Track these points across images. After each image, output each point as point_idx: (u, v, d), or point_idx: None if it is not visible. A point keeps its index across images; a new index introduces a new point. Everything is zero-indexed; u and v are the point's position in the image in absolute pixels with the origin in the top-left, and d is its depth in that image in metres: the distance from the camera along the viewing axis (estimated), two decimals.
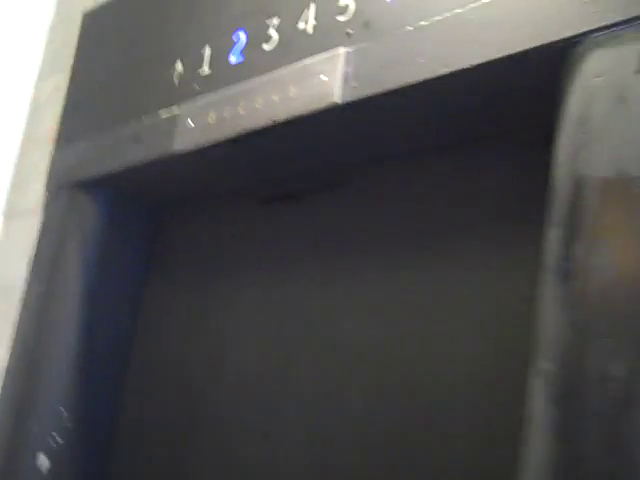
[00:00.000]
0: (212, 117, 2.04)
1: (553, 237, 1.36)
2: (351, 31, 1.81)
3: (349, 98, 1.75)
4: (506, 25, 1.51)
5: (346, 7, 1.84)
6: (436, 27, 1.63)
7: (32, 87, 2.80)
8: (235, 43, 2.09)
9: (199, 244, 2.42)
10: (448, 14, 1.62)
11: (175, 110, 2.17)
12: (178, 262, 2.48)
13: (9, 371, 2.33)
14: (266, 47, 2.01)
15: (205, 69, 2.16)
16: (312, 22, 1.92)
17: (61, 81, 2.68)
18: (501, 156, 1.79)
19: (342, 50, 1.79)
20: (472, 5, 1.58)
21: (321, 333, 2.02)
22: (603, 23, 1.37)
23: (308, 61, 1.86)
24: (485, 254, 1.74)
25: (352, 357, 1.93)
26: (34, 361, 2.31)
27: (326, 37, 1.86)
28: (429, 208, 1.91)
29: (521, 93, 1.60)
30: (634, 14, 1.34)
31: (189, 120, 2.10)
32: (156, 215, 2.52)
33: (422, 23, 1.66)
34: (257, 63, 2.00)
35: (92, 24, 2.66)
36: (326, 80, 1.80)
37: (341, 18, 1.85)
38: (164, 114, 2.20)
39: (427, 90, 1.65)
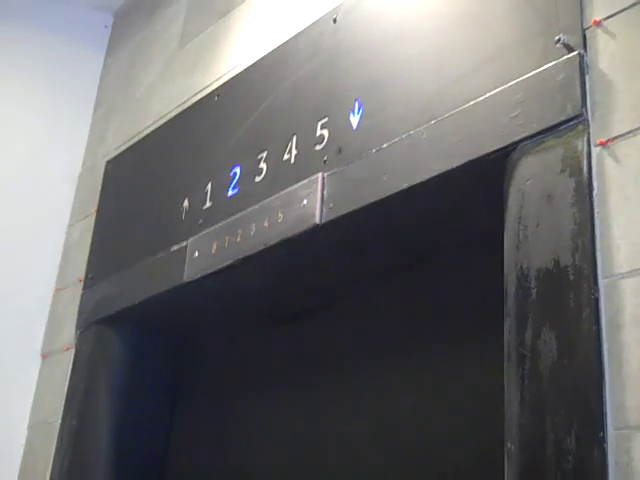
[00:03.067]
0: (214, 247, 2.23)
1: (507, 327, 1.49)
2: (326, 158, 2.00)
3: (327, 218, 1.92)
4: (451, 140, 1.69)
5: (322, 137, 2.04)
6: (396, 147, 1.81)
7: (64, 232, 3.04)
8: (232, 178, 2.30)
9: (219, 365, 2.58)
10: (404, 135, 1.80)
11: (183, 243, 2.37)
12: (202, 384, 2.63)
13: None
14: (257, 179, 2.21)
15: (207, 203, 2.36)
16: (294, 152, 2.12)
17: (89, 225, 2.91)
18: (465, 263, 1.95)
19: (319, 175, 1.97)
20: (424, 126, 1.76)
21: (336, 436, 2.13)
22: (527, 133, 1.53)
23: (292, 188, 2.05)
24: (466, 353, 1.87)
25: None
26: None
27: (306, 165, 2.05)
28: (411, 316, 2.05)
29: (472, 200, 1.75)
30: (553, 122, 1.50)
31: (196, 252, 2.29)
32: (176, 342, 2.69)
33: (383, 145, 1.84)
34: (250, 193, 2.20)
35: (113, 170, 2.92)
36: (307, 204, 1.98)
37: (318, 147, 2.04)
38: (174, 248, 2.40)
39: (393, 204, 1.81)
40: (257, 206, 2.14)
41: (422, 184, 1.72)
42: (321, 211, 1.94)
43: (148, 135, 2.81)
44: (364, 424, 2.07)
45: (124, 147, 2.93)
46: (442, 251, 1.96)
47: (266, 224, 2.08)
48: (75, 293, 2.84)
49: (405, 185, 1.76)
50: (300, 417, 2.26)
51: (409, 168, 1.76)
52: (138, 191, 2.73)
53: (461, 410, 1.85)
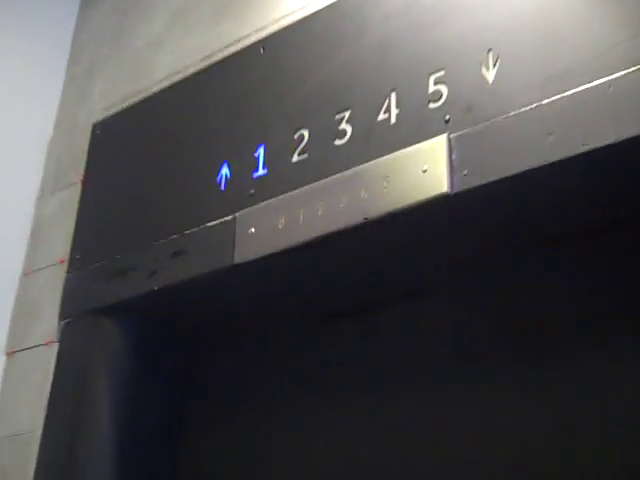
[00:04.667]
0: (281, 222, 1.83)
1: None
2: (448, 117, 1.66)
3: (461, 187, 1.57)
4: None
5: (438, 93, 1.70)
6: (563, 103, 1.49)
7: (32, 207, 2.52)
8: (299, 142, 1.91)
9: (239, 371, 2.15)
10: (575, 90, 1.48)
11: (227, 218, 1.95)
12: (215, 391, 2.19)
13: None
14: (338, 142, 1.83)
15: (261, 170, 1.96)
16: (394, 111, 1.76)
17: (69, 196, 2.42)
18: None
19: (444, 137, 1.63)
20: (604, 79, 1.45)
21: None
22: None
23: (400, 152, 1.69)
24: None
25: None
26: None
27: (418, 125, 1.70)
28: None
29: None
30: None
31: (251, 228, 1.88)
32: (191, 341, 2.24)
33: (543, 101, 1.52)
34: (328, 159, 1.82)
35: (105, 134, 2.44)
36: (428, 170, 1.62)
37: (433, 105, 1.69)
38: (212, 223, 1.98)
39: (560, 170, 1.48)
40: (347, 173, 1.76)
41: (610, 147, 1.41)
42: (451, 179, 1.59)
43: (158, 93, 2.35)
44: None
45: (118, 107, 2.46)
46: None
47: (364, 194, 1.71)
48: (54, 277, 2.34)
49: (586, 148, 1.44)
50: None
51: (589, 128, 1.44)
52: (145, 157, 2.27)
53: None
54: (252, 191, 1.95)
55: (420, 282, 1.87)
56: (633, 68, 1.43)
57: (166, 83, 2.35)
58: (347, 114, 1.85)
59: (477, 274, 1.79)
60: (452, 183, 1.59)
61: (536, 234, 1.68)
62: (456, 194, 1.58)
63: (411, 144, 1.68)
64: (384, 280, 1.89)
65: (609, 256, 1.65)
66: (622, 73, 1.44)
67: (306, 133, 1.91)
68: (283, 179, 1.90)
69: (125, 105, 2.44)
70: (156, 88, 2.37)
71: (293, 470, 1.97)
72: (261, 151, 1.99)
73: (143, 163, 2.26)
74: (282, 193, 1.87)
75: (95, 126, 2.48)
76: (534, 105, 1.53)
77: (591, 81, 1.47)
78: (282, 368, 2.07)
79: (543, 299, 1.70)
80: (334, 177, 1.78)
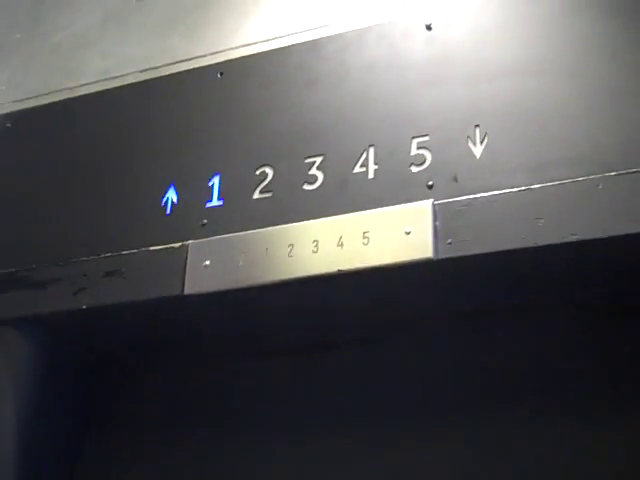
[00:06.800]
0: (242, 259, 1.79)
1: None
2: (432, 183, 1.71)
3: (445, 255, 1.63)
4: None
5: (421, 157, 1.75)
6: (556, 190, 1.59)
7: None
8: (261, 179, 1.88)
9: (158, 398, 2.07)
10: (568, 180, 1.59)
11: (175, 245, 1.87)
12: (124, 418, 2.08)
13: None
14: (308, 187, 1.83)
15: (215, 201, 1.90)
16: (373, 167, 1.79)
17: None
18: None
19: (429, 203, 1.67)
20: (596, 176, 1.58)
21: None
22: None
23: (381, 209, 1.72)
24: None
25: None
26: None
27: (397, 185, 1.74)
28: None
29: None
30: None
31: (206, 260, 1.82)
32: (108, 365, 2.11)
33: (534, 186, 1.61)
34: (296, 202, 1.81)
35: (15, 130, 2.25)
36: (412, 233, 1.66)
37: (415, 168, 1.74)
38: (156, 248, 1.89)
39: (547, 254, 1.58)
40: (320, 220, 1.76)
41: (603, 241, 1.53)
42: (435, 245, 1.64)
43: (88, 96, 2.21)
44: None
45: (33, 102, 2.29)
46: None
47: (339, 244, 1.71)
48: None
49: (575, 238, 1.54)
50: None
51: (579, 219, 1.55)
52: (72, 163, 2.13)
53: None
54: (204, 221, 1.89)
55: (375, 332, 1.90)
56: (623, 171, 1.56)
57: (97, 87, 2.22)
58: (318, 160, 1.85)
59: (440, 332, 1.85)
60: (436, 249, 1.64)
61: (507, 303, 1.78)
62: (439, 260, 1.63)
63: (392, 203, 1.72)
64: (348, 326, 1.90)
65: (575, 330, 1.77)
66: (612, 174, 1.57)
67: (270, 171, 1.89)
68: (242, 214, 1.86)
69: (43, 102, 2.27)
70: (84, 90, 2.23)
71: None
72: (216, 181, 1.93)
73: (69, 169, 2.11)
74: (242, 229, 1.83)
75: (5, 117, 2.29)
76: (523, 188, 1.63)
77: (582, 176, 1.59)
78: (203, 405, 2.01)
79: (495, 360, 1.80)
80: (306, 223, 1.77)
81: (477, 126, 1.73)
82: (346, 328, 1.90)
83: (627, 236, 1.51)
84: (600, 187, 1.56)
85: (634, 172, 1.55)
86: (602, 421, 1.67)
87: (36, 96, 2.30)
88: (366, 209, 1.73)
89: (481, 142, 1.72)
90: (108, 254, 1.93)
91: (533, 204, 1.60)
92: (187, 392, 2.03)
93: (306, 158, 1.86)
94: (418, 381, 1.84)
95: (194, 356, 2.03)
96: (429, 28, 1.89)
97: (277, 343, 1.96)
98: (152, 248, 1.90)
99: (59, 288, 1.93)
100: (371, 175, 1.78)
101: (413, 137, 1.78)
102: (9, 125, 2.27)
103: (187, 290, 1.80)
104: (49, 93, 2.28)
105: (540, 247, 1.56)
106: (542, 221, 1.58)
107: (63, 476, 1.99)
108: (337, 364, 1.92)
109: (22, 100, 2.31)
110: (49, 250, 2.00)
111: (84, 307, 1.89)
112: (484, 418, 1.77)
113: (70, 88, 2.26)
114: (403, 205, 1.70)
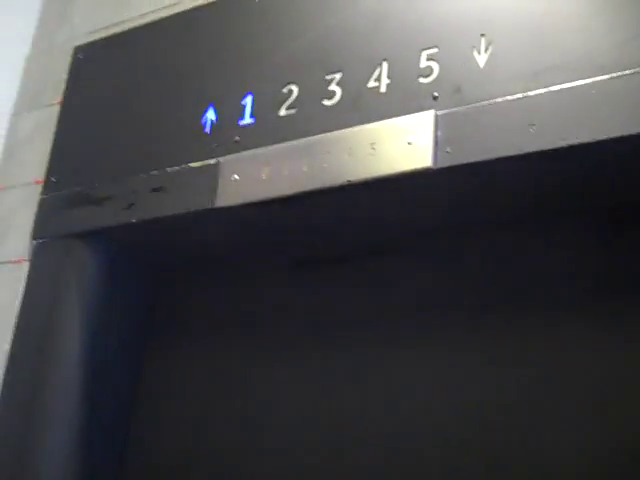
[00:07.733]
0: (265, 172, 1.91)
1: None
2: (437, 94, 1.75)
3: (443, 164, 1.68)
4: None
5: (429, 69, 1.78)
6: (551, 97, 1.60)
7: (6, 123, 2.52)
8: (287, 96, 1.98)
9: (209, 308, 2.25)
10: (562, 85, 1.59)
11: (210, 161, 2.02)
12: (183, 326, 2.29)
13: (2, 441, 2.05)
14: (327, 102, 1.91)
15: (247, 119, 2.02)
16: (385, 81, 1.84)
17: (46, 118, 2.44)
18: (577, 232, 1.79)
19: (431, 112, 1.72)
20: (590, 80, 1.57)
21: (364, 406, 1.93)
22: None
23: (388, 121, 1.78)
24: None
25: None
26: (26, 437, 2.04)
27: (405, 98, 1.79)
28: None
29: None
30: None
31: (234, 174, 1.95)
32: (163, 274, 2.33)
33: (529, 93, 1.62)
34: (315, 117, 1.90)
35: (86, 59, 2.45)
36: (413, 142, 1.72)
37: (423, 80, 1.79)
38: (194, 165, 2.04)
39: (539, 161, 1.61)
40: (334, 133, 1.85)
41: (592, 144, 1.53)
42: (435, 154, 1.69)
43: (145, 26, 2.37)
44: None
45: (102, 34, 2.47)
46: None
47: (348, 157, 1.80)
48: (27, 196, 2.37)
49: (564, 143, 1.56)
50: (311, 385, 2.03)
51: (572, 123, 1.56)
52: (129, 90, 2.30)
53: None
54: (237, 138, 2.02)
55: (392, 243, 1.99)
56: (619, 73, 1.54)
57: (152, 17, 2.37)
58: (338, 76, 1.92)
59: (450, 241, 1.91)
60: (436, 158, 1.69)
61: (508, 213, 1.81)
62: (438, 169, 1.69)
63: (399, 115, 1.78)
64: (356, 238, 2.00)
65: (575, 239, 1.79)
66: (606, 77, 1.56)
67: (295, 88, 1.98)
68: (269, 131, 1.97)
69: (110, 33, 2.45)
70: (142, 21, 2.39)
71: (247, 407, 2.10)
72: (248, 100, 2.05)
73: (127, 95, 2.29)
74: (267, 144, 1.95)
75: (77, 49, 2.49)
76: (520, 95, 1.64)
77: (577, 79, 1.58)
78: (249, 310, 2.18)
79: (509, 272, 1.84)
80: (320, 136, 1.87)
81: (483, 35, 1.75)
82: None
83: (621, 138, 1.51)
84: (593, 92, 1.56)
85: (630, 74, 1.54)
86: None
87: (104, 29, 2.48)
88: (377, 121, 1.81)
89: (485, 50, 1.73)
90: (154, 172, 2.10)
91: (527, 112, 1.61)
92: (229, 298, 2.21)
93: (326, 75, 1.94)
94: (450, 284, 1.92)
95: (235, 266, 2.20)
96: None
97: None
98: (192, 165, 2.05)
99: (113, 204, 2.13)
100: (383, 89, 1.84)
101: (423, 49, 1.82)
102: (80, 56, 2.47)
103: (218, 203, 1.96)
104: (113, 26, 2.45)
105: (531, 154, 1.59)
106: (534, 127, 1.60)
107: (128, 365, 2.23)
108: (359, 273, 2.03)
109: (92, 33, 2.50)
110: (105, 170, 2.20)
111: (134, 221, 2.08)
112: (499, 324, 1.83)
113: (131, 19, 2.42)
114: (407, 116, 1.76)
